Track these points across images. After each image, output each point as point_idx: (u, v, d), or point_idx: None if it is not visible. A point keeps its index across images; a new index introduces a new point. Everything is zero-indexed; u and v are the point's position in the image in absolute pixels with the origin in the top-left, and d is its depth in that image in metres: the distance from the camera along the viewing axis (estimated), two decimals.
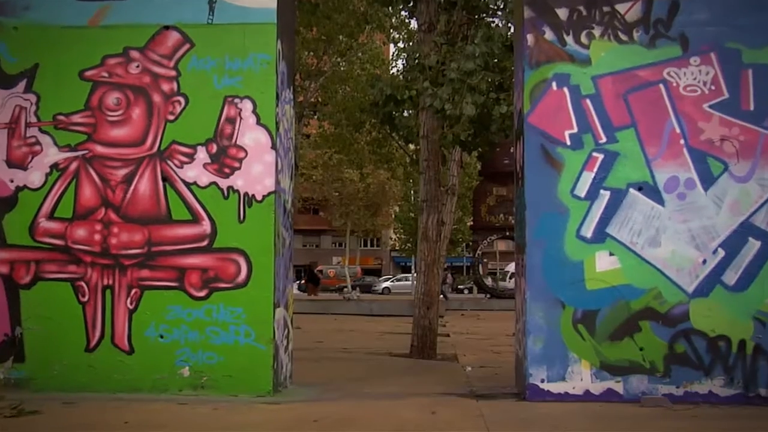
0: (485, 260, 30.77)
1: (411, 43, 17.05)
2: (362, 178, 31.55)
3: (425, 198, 9.47)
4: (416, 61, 9.12)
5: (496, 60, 8.62)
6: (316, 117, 26.99)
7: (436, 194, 9.56)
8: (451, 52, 8.94)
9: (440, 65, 8.87)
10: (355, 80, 23.20)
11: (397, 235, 41.52)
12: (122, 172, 5.74)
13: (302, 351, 8.89)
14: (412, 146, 19.69)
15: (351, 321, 17.86)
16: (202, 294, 5.64)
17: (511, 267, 44.65)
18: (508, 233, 29.44)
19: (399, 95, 9.15)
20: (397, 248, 47.35)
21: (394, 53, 24.97)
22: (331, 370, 7.57)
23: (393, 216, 40.77)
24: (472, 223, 33.64)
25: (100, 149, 5.76)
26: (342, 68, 24.05)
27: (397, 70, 14.72)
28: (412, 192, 34.05)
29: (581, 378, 5.46)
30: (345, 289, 34.72)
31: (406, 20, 19.13)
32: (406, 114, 10.57)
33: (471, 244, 35.32)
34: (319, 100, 25.72)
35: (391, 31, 21.17)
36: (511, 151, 6.51)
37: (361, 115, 21.59)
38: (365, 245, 52.48)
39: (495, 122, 8.69)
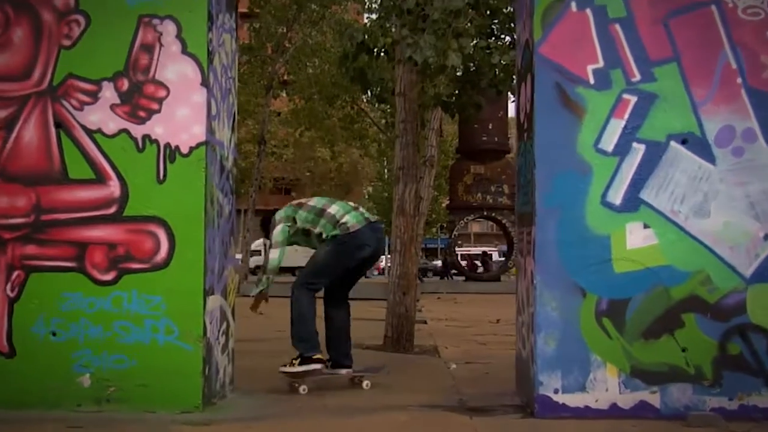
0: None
1: None
2: (334, 156, 30.20)
3: (401, 165, 8.12)
4: (392, 3, 7.73)
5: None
6: (284, 93, 25.71)
7: (414, 161, 8.21)
8: None
9: (420, 9, 7.52)
10: (327, 52, 21.96)
11: None
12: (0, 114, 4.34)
13: (258, 342, 7.72)
14: (386, 122, 18.43)
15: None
16: (108, 277, 4.30)
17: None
18: (485, 213, 28.28)
19: (372, 44, 7.77)
20: None
21: (366, 24, 23.70)
22: None
23: (366, 196, 39.54)
24: (448, 202, 32.34)
25: None
26: (313, 41, 22.83)
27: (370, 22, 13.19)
28: (386, 170, 32.75)
29: (606, 387, 4.23)
30: None
31: None
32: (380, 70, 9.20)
33: (447, 225, 33.97)
34: (289, 73, 24.46)
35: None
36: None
37: (333, 88, 20.41)
38: None
39: (485, 75, 7.36)
